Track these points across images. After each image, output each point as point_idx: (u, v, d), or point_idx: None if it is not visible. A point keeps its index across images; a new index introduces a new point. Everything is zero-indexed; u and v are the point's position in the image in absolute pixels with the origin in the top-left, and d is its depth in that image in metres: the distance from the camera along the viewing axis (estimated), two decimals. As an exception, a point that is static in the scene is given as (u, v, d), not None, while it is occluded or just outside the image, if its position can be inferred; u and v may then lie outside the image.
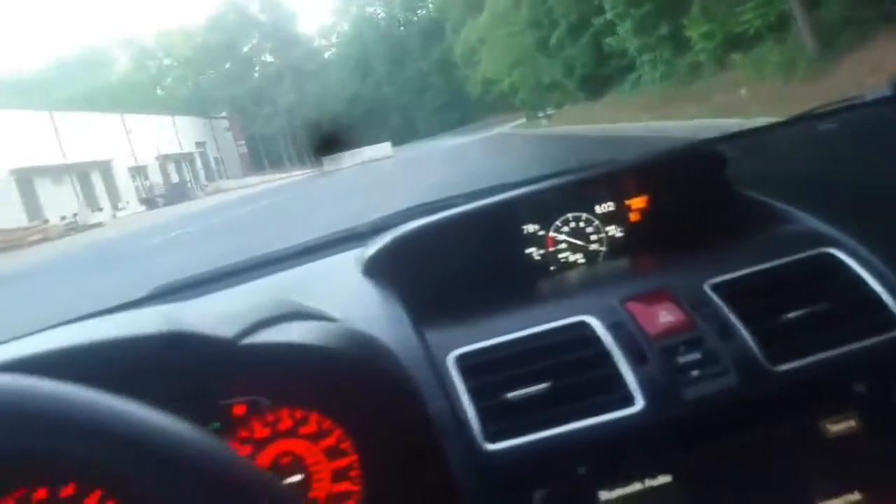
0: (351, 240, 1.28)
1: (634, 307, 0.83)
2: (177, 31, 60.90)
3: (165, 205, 35.91)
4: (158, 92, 60.91)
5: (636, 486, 0.73)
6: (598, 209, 1.11)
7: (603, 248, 1.11)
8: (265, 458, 0.72)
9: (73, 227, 27.41)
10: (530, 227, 1.09)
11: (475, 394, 0.77)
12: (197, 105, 53.73)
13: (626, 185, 1.12)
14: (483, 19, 29.86)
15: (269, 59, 59.43)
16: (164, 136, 42.52)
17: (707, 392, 0.75)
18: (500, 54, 28.49)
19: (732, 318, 0.80)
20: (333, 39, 70.61)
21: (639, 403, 0.74)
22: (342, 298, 0.88)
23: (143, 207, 36.55)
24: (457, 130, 47.85)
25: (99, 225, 28.23)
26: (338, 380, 0.70)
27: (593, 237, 1.11)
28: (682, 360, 0.77)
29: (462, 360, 0.81)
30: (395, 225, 1.19)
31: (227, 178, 48.35)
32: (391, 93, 60.88)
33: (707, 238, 1.03)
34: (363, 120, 57.48)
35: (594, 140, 13.39)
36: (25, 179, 29.60)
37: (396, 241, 1.04)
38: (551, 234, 1.10)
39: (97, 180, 35.20)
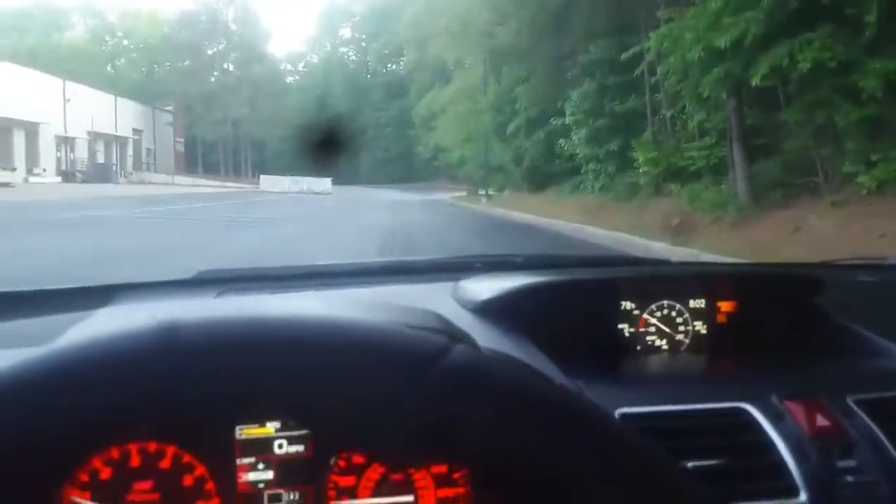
0: (412, 272, 1.33)
1: (792, 406, 0.85)
2: (144, 15, 59.80)
3: (83, 182, 34.42)
4: (108, 69, 59.12)
5: None
6: (691, 303, 1.16)
7: (686, 341, 1.15)
8: (374, 471, 0.71)
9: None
10: (628, 305, 1.13)
11: None
12: (144, 92, 52.32)
13: (721, 287, 1.18)
14: (448, 91, 30.71)
15: (231, 68, 58.85)
16: (103, 113, 41.08)
17: (862, 497, 0.78)
18: (457, 127, 29.20)
19: (879, 433, 0.83)
20: (299, 67, 70.89)
21: (802, 496, 0.77)
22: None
23: (58, 179, 34.89)
24: (398, 186, 48.31)
25: (7, 185, 26.71)
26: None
27: (681, 328, 1.15)
28: (839, 463, 0.80)
29: (629, 420, 0.81)
30: (463, 268, 1.26)
31: (156, 171, 46.87)
32: (344, 134, 61.07)
33: (799, 354, 1.08)
34: (309, 151, 57.21)
35: (526, 229, 13.76)
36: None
37: (512, 288, 1.06)
38: (645, 315, 1.14)
39: (19, 139, 33.49)
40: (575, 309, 1.09)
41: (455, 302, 1.06)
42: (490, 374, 0.44)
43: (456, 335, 0.51)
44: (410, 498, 0.71)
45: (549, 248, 9.98)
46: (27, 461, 0.41)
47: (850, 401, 0.87)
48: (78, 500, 0.64)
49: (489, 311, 1.01)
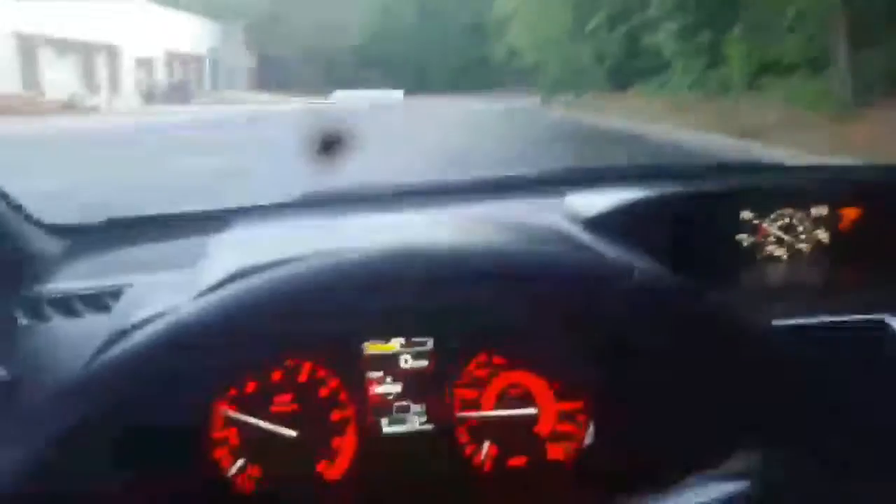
0: (517, 187, 1.30)
1: None
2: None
3: (163, 102, 35.26)
4: (179, -13, 59.17)
5: None
6: (813, 211, 1.12)
7: (808, 250, 1.13)
8: (496, 385, 0.75)
9: (72, 105, 26.83)
10: (747, 214, 1.11)
11: None
12: (217, 10, 52.36)
13: (844, 192, 1.14)
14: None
15: (296, -20, 57.95)
16: (178, 33, 41.52)
17: None
18: (533, 27, 28.05)
19: None
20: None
21: None
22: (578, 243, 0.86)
23: (140, 100, 35.84)
24: (472, 94, 47.20)
25: (95, 109, 27.66)
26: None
27: (802, 237, 1.13)
28: None
29: (776, 334, 0.79)
30: (570, 181, 1.24)
31: (234, 88, 47.49)
32: (414, 43, 59.86)
33: None
34: (379, 62, 56.62)
35: (613, 137, 13.36)
36: (28, 48, 28.77)
37: (628, 202, 1.05)
38: (765, 224, 1.12)
39: (101, 63, 34.35)
40: (691, 221, 1.06)
41: (566, 217, 1.04)
42: (666, 299, 0.49)
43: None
44: (534, 411, 0.74)
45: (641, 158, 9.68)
46: (191, 379, 0.47)
47: None
48: (228, 412, 0.71)
49: (604, 226, 0.99)
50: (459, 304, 0.57)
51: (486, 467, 0.74)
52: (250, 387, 0.71)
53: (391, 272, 0.48)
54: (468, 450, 0.75)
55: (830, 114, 9.66)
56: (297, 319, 0.45)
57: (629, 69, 20.37)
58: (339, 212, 1.18)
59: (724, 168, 1.42)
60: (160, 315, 0.47)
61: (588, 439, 0.74)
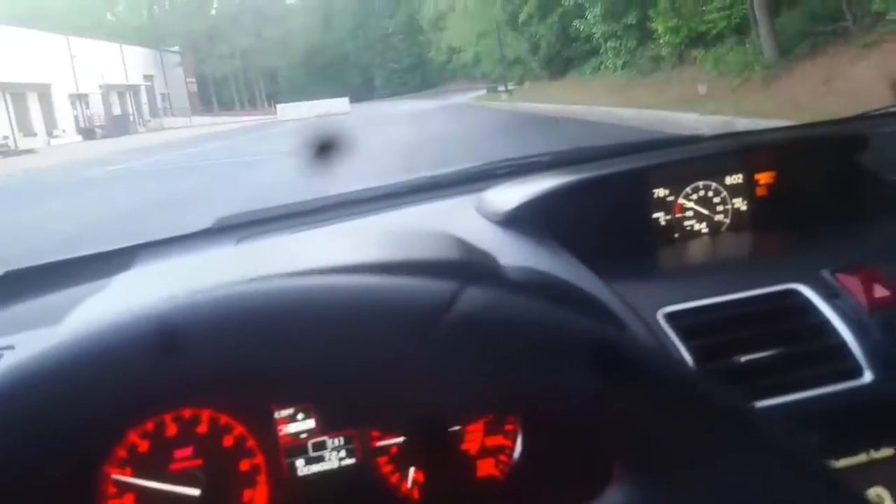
0: (435, 188, 1.27)
1: (846, 279, 0.80)
2: (135, -44, 58.13)
3: (103, 137, 34.58)
4: (109, 17, 58.16)
5: (861, 458, 0.72)
6: (728, 180, 1.09)
7: (727, 220, 1.10)
8: None
9: (2, 151, 26.19)
10: (660, 192, 1.08)
11: (698, 355, 0.73)
12: (149, 36, 51.56)
13: (757, 158, 1.11)
14: (455, -15, 29.55)
15: (230, -3, 57.42)
16: (111, 64, 40.75)
17: None
18: (468, 23, 28.29)
19: None
20: (299, -14, 68.73)
21: (867, 376, 0.73)
22: (487, 245, 0.79)
23: (79, 137, 35.11)
24: (416, 95, 47.42)
25: (31, 151, 27.01)
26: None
27: (719, 208, 1.10)
28: None
29: (674, 319, 0.77)
30: (487, 177, 1.20)
31: (174, 115, 46.78)
32: (353, 49, 59.76)
33: (847, 220, 1.01)
34: (321, 73, 56.46)
35: (551, 122, 13.49)
36: (-45, 92, 28.06)
37: (536, 194, 1.00)
38: (680, 200, 1.08)
39: (34, 103, 33.56)
40: (605, 205, 1.03)
41: (480, 215, 1.01)
42: (507, 318, 0.40)
43: (469, 273, 0.47)
44: (457, 427, 0.69)
45: (579, 138, 9.79)
46: (58, 449, 0.39)
47: None
48: (120, 477, 0.63)
49: (515, 220, 0.96)
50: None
51: (415, 495, 0.69)
52: (143, 445, 0.64)
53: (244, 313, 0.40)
54: (393, 479, 0.69)
55: (759, 77, 9.88)
56: (187, 362, 0.39)
57: (564, 56, 20.63)
58: (257, 234, 1.14)
59: (634, 147, 1.40)
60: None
61: (518, 451, 0.69)
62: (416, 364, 0.36)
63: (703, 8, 12.62)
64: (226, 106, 54.53)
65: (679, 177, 1.09)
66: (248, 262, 0.68)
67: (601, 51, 17.37)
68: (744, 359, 0.73)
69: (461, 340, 0.37)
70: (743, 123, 7.12)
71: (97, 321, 0.38)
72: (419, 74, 57.41)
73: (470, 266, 0.58)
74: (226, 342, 0.36)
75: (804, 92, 8.17)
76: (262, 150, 14.52)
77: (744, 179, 1.10)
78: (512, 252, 0.85)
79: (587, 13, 16.97)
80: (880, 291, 0.78)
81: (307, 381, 0.37)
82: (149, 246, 1.15)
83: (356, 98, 43.16)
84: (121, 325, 0.38)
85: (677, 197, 1.08)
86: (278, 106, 40.35)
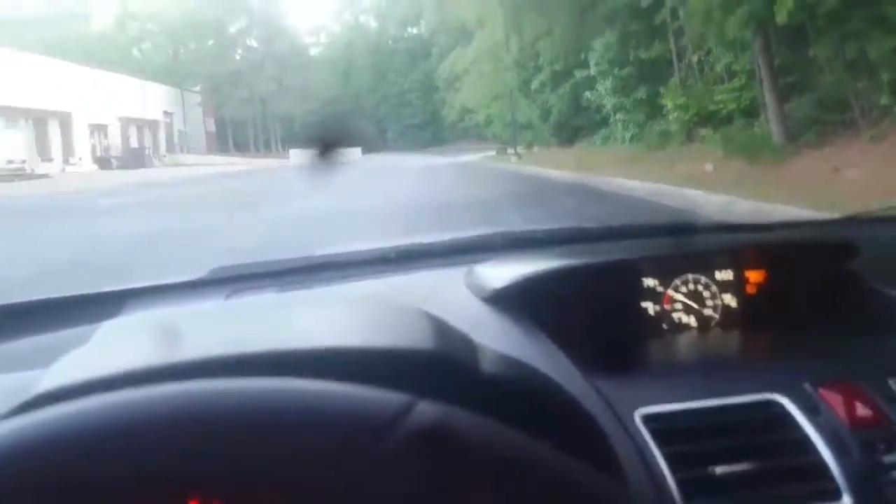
0: (428, 256, 1.26)
1: (828, 394, 0.78)
2: (166, -3, 59.88)
3: (119, 168, 35.02)
4: (135, 53, 59.53)
5: None
6: (718, 275, 1.07)
7: (716, 316, 1.08)
8: None
9: (18, 174, 26.51)
10: (650, 282, 1.06)
11: (673, 462, 0.70)
12: (171, 75, 52.70)
13: (748, 256, 1.10)
14: (471, 50, 30.23)
15: (254, 44, 58.83)
16: (132, 98, 41.56)
17: None
18: (482, 86, 28.87)
19: None
20: (322, 39, 70.49)
21: (846, 499, 0.69)
22: (470, 323, 0.78)
23: (94, 166, 35.56)
24: (427, 150, 48.03)
25: (46, 176, 27.34)
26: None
27: (709, 303, 1.08)
28: (884, 458, 0.72)
29: (651, 421, 0.74)
30: (480, 248, 1.20)
31: (190, 152, 47.43)
32: (369, 102, 60.87)
33: (835, 328, 1.00)
34: (337, 122, 57.04)
35: (558, 186, 13.64)
36: (-22, 115, 28.57)
37: (526, 275, 0.98)
38: (669, 291, 1.06)
39: (54, 130, 34.13)
40: (594, 292, 1.01)
41: (468, 290, 1.00)
42: (458, 437, 0.39)
43: (427, 382, 0.46)
44: None
45: (583, 205, 9.88)
46: None
47: (892, 384, 0.78)
48: None
49: (502, 299, 0.93)
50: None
51: None
52: None
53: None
54: None
55: (766, 160, 10.02)
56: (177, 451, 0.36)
57: (574, 124, 21.01)
58: (248, 289, 1.14)
59: (629, 231, 1.41)
60: None
61: None
62: (360, 483, 0.34)
63: (713, 88, 12.93)
64: (241, 147, 55.29)
65: (670, 268, 1.07)
66: (225, 333, 0.66)
67: (611, 122, 17.71)
68: (720, 470, 0.70)
69: (404, 460, 0.35)
70: (745, 205, 7.19)
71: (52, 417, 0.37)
72: (431, 131, 58.28)
73: (433, 364, 0.56)
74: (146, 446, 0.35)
75: (811, 180, 8.26)
76: (270, 190, 14.69)
77: (734, 276, 1.08)
78: (492, 333, 0.83)
79: (598, 85, 17.36)
80: (862, 410, 0.76)
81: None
82: (138, 293, 1.14)
83: (368, 149, 43.71)
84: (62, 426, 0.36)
85: (667, 288, 1.06)
86: (291, 151, 40.97)
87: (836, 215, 1.76)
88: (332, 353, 0.52)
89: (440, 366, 0.52)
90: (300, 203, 11.41)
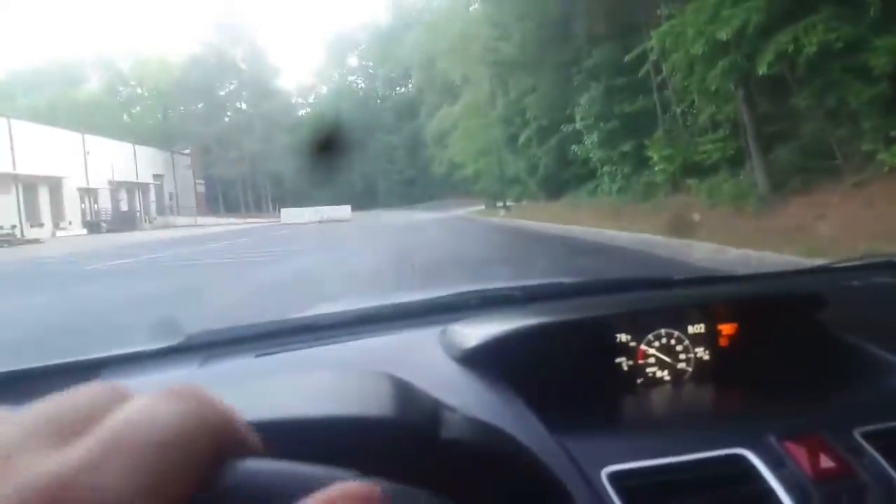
0: (404, 316, 1.27)
1: (793, 447, 0.79)
2: (155, 62, 60.96)
3: (108, 231, 35.06)
4: (125, 118, 60.37)
5: None
6: (690, 329, 1.09)
7: (689, 369, 1.10)
8: None
9: (7, 239, 26.46)
10: (623, 337, 1.07)
11: None
12: (161, 137, 53.30)
13: (720, 310, 1.12)
14: (458, 108, 30.90)
15: (243, 106, 59.76)
16: (122, 162, 41.91)
17: None
18: (470, 142, 29.37)
19: (891, 471, 0.75)
20: (310, 99, 71.75)
21: None
22: (442, 383, 0.81)
23: (84, 230, 35.57)
24: (416, 206, 48.50)
25: (36, 241, 27.30)
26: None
27: (682, 356, 1.10)
28: None
29: (618, 479, 0.75)
30: (456, 308, 1.21)
31: (180, 214, 47.57)
32: (358, 159, 61.60)
33: (804, 380, 1.01)
34: (326, 181, 57.74)
35: (546, 239, 13.69)
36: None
37: (497, 335, 0.99)
38: (643, 346, 1.08)
39: (44, 195, 34.24)
40: (568, 348, 1.03)
41: (442, 350, 1.01)
42: None
43: (387, 451, 0.47)
44: None
45: (571, 256, 9.90)
46: None
47: (857, 434, 0.80)
48: None
49: (474, 359, 0.95)
50: None
51: None
52: None
53: None
54: None
55: (751, 208, 10.12)
56: None
57: (561, 178, 21.24)
58: (223, 355, 1.13)
59: (604, 285, 1.43)
60: None
61: None
62: None
63: (698, 139, 13.13)
64: (232, 207, 55.57)
65: (643, 323, 1.08)
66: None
67: (598, 175, 17.89)
68: None
69: None
70: (735, 253, 7.22)
71: None
72: (420, 186, 58.95)
73: (394, 432, 0.56)
74: None
75: (796, 227, 8.33)
76: (262, 251, 14.67)
77: (706, 329, 1.10)
78: (462, 395, 0.84)
79: (585, 139, 17.61)
80: (826, 462, 0.76)
81: None
82: (113, 362, 1.14)
83: (358, 206, 44.07)
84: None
85: (640, 343, 1.07)
86: (282, 210, 41.18)
87: (817, 262, 1.76)
88: (284, 425, 0.51)
89: (401, 433, 0.52)
90: (291, 263, 11.42)
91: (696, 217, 11.13)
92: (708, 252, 7.66)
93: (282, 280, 8.76)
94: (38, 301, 8.04)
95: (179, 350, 1.18)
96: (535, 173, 23.03)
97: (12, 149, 32.00)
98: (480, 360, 0.94)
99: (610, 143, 16.32)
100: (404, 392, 0.66)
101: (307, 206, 40.47)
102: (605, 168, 17.10)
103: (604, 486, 0.74)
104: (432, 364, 0.96)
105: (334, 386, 0.69)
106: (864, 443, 0.79)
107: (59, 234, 33.28)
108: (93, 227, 36.20)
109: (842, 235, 7.10)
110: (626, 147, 15.76)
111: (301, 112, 68.47)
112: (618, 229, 11.65)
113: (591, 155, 17.55)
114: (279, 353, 1.13)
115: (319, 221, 34.86)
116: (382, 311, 1.32)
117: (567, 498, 0.68)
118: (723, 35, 8.86)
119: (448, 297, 1.38)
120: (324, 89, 70.97)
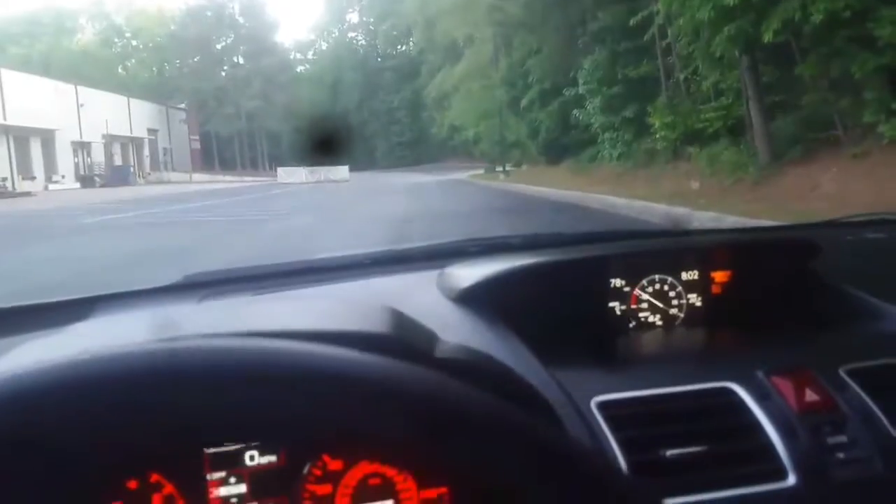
0: (404, 261, 1.28)
1: (779, 381, 0.81)
2: (150, 14, 59.92)
3: (101, 186, 34.83)
4: (119, 71, 59.56)
5: None
6: (684, 276, 1.12)
7: (681, 315, 1.12)
8: (352, 476, 0.68)
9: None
10: (617, 282, 1.10)
11: (626, 446, 0.74)
12: (156, 91, 52.63)
13: (714, 257, 1.14)
14: (460, 68, 30.49)
15: (241, 61, 58.88)
16: (116, 116, 41.39)
17: (855, 475, 0.74)
18: (471, 104, 29.09)
19: (872, 405, 0.78)
20: (309, 56, 70.78)
21: (791, 479, 0.73)
22: (438, 321, 0.83)
23: (77, 185, 35.32)
24: (415, 168, 48.25)
25: (28, 194, 27.12)
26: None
27: (674, 302, 1.12)
28: (829, 440, 0.76)
29: (606, 408, 0.77)
30: (455, 254, 1.21)
31: (174, 170, 47.24)
32: (357, 120, 61.03)
33: (794, 323, 1.04)
34: (324, 140, 57.39)
35: (545, 203, 13.67)
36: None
37: (493, 275, 1.02)
38: (636, 291, 1.10)
39: (36, 148, 33.91)
40: (562, 290, 1.05)
41: (439, 291, 1.03)
42: (410, 389, 0.41)
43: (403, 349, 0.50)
44: (391, 502, 0.68)
45: (569, 222, 9.90)
46: None
47: (842, 371, 0.83)
48: None
49: (471, 298, 0.97)
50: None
51: None
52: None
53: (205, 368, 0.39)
54: None
55: (751, 178, 10.11)
56: (116, 417, 0.37)
57: (562, 142, 21.11)
58: (221, 293, 1.13)
59: (601, 236, 1.44)
60: None
61: None
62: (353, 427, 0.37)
63: (700, 106, 13.03)
64: (227, 164, 55.13)
65: (637, 269, 1.11)
66: (201, 321, 0.69)
67: (599, 140, 17.79)
68: (669, 453, 0.74)
69: (393, 410, 0.38)
70: (732, 221, 7.22)
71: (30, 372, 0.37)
72: (420, 149, 58.58)
73: (403, 342, 0.60)
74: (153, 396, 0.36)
75: (794, 196, 8.34)
76: (257, 210, 14.62)
77: (700, 276, 1.12)
78: (457, 330, 0.86)
79: (587, 104, 17.47)
80: (810, 396, 0.79)
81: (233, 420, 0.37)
82: (110, 298, 1.13)
83: (357, 167, 43.79)
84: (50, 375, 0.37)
85: (633, 288, 1.10)
86: (279, 169, 40.90)
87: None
88: (290, 337, 0.51)
89: (397, 350, 0.53)
90: (285, 223, 11.38)
91: (696, 185, 11.11)
92: (706, 221, 7.67)
93: (275, 243, 8.74)
94: (36, 254, 8.03)
95: (177, 288, 1.19)
96: (536, 137, 22.90)
97: (3, 99, 31.60)
98: (476, 300, 0.96)
99: (612, 108, 16.18)
100: (401, 319, 0.71)
101: (304, 165, 40.18)
102: (607, 134, 16.99)
103: (593, 415, 0.76)
104: (428, 303, 0.97)
105: (334, 309, 0.74)
106: (848, 379, 0.81)
107: (51, 187, 33.04)
108: (86, 181, 35.94)
109: (840, 206, 7.11)
110: (629, 113, 15.64)
111: (299, 69, 67.60)
112: (617, 195, 11.62)
113: (592, 120, 17.42)
114: (278, 291, 1.14)
115: (317, 182, 34.68)
116: (381, 255, 1.33)
117: (557, 422, 0.71)
118: (730, 0, 8.74)
119: (447, 244, 1.39)
120: (323, 46, 69.97)
